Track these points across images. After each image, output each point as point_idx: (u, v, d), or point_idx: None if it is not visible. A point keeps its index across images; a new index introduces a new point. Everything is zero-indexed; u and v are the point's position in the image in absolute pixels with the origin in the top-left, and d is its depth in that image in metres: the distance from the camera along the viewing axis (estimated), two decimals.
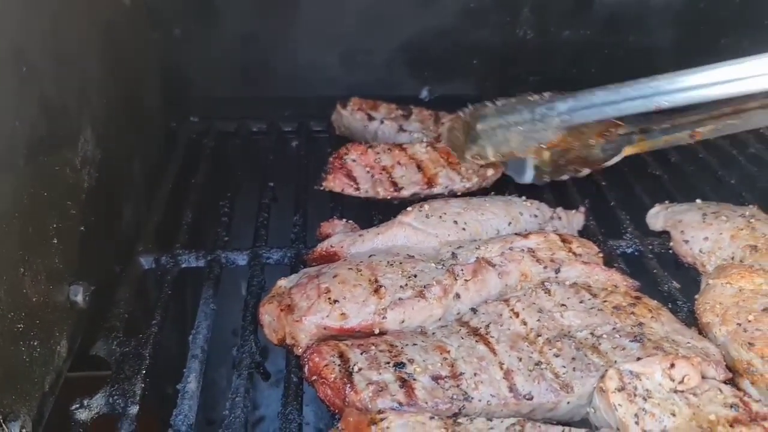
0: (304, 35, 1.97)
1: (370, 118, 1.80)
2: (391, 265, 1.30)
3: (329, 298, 1.21)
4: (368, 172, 1.62)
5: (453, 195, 1.61)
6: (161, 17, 1.88)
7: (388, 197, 1.59)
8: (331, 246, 1.40)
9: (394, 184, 1.60)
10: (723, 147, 1.94)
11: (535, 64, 2.02)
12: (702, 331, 1.26)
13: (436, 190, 1.61)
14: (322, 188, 1.61)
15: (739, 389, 1.15)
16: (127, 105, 1.56)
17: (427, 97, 2.05)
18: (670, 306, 1.37)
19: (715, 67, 1.51)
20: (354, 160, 1.63)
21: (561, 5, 1.92)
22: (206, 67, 2.02)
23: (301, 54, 2.00)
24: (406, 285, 1.25)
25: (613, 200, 1.69)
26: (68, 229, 1.24)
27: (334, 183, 1.60)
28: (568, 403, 1.09)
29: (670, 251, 1.53)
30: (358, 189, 1.60)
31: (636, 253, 1.54)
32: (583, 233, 1.55)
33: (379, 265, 1.29)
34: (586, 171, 1.71)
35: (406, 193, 1.59)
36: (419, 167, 1.63)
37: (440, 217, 1.43)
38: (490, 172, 1.68)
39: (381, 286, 1.24)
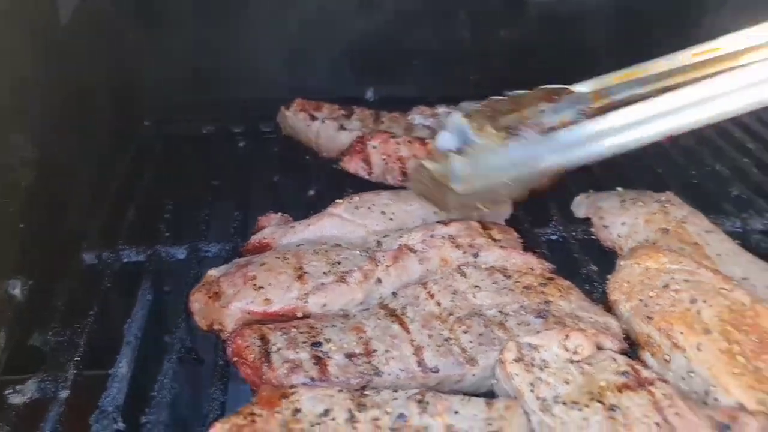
0: (252, 40, 2.04)
1: (312, 118, 1.87)
2: (317, 253, 1.37)
3: (255, 285, 1.28)
4: (384, 159, 1.73)
5: None
6: (113, 23, 1.94)
7: (396, 186, 1.71)
8: (264, 238, 1.47)
9: (404, 173, 1.71)
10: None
11: (474, 64, 2.10)
12: (611, 308, 1.34)
13: None
14: (340, 168, 1.73)
15: (641, 361, 1.23)
16: (73, 108, 1.62)
17: (371, 98, 2.12)
18: (587, 287, 1.44)
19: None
20: (375, 147, 1.73)
21: (494, 7, 2.00)
22: (158, 71, 2.08)
23: (250, 58, 2.07)
24: (329, 271, 1.32)
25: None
26: (6, 227, 1.30)
27: (350, 165, 1.74)
28: (473, 375, 1.16)
29: (593, 237, 1.61)
30: (370, 173, 1.73)
31: (560, 240, 1.62)
32: (511, 222, 1.63)
33: (306, 254, 1.36)
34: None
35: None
36: None
37: (369, 208, 1.50)
38: None
39: (305, 273, 1.31)
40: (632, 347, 1.25)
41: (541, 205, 1.73)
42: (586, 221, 1.64)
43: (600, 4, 2.05)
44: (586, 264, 1.51)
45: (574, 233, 1.62)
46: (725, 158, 1.96)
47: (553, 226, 1.65)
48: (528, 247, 1.54)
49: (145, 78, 2.08)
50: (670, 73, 1.35)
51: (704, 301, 1.24)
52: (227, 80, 2.09)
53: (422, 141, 1.73)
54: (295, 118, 1.88)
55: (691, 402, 1.08)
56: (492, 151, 1.34)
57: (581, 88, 1.35)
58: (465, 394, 1.13)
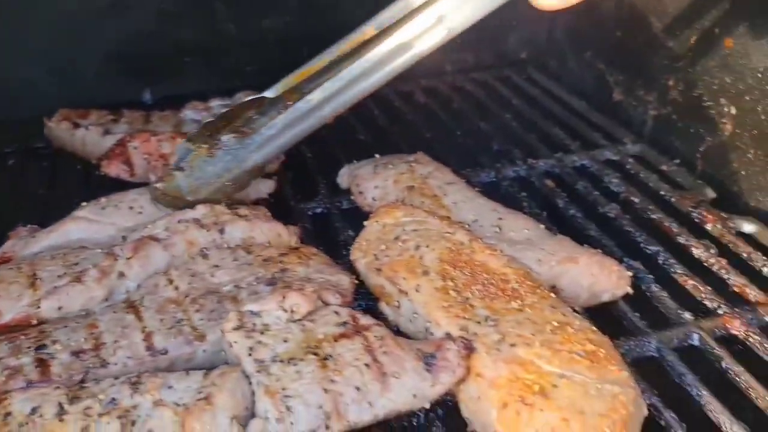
0: (8, 55, 1.96)
1: (76, 126, 1.83)
2: (54, 258, 1.34)
3: None
4: (146, 158, 1.70)
5: None
6: None
7: None
8: (4, 252, 1.42)
9: None
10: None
11: (247, 55, 2.13)
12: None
13: None
14: (102, 173, 1.70)
15: (380, 312, 1.30)
16: None
17: (150, 100, 2.10)
18: (344, 252, 1.50)
19: None
20: (136, 148, 1.70)
21: None
22: None
23: (11, 75, 1.99)
24: (65, 274, 1.30)
25: (315, 168, 1.82)
26: None
27: (110, 169, 1.70)
28: (204, 351, 1.18)
29: (357, 206, 1.67)
30: (132, 175, 1.70)
31: (324, 211, 1.67)
32: (278, 200, 1.67)
33: (42, 260, 1.34)
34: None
35: None
36: None
37: (116, 206, 1.49)
38: None
39: (38, 279, 1.28)
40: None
41: (311, 180, 1.78)
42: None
43: None
44: (344, 231, 1.57)
45: (339, 204, 1.68)
46: (490, 116, 2.09)
47: (319, 199, 1.70)
48: (293, 222, 1.58)
49: None
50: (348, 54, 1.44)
51: (427, 246, 1.32)
52: None
53: (184, 134, 1.73)
54: (57, 129, 1.84)
55: (403, 340, 1.15)
56: (206, 162, 1.50)
57: (270, 93, 1.46)
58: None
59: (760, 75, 1.59)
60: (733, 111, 1.68)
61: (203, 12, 2.02)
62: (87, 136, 1.82)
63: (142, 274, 1.34)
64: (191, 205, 1.48)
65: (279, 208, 1.60)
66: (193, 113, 1.93)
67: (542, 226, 1.45)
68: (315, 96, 1.43)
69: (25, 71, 1.98)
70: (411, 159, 1.67)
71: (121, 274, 1.33)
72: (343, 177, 1.72)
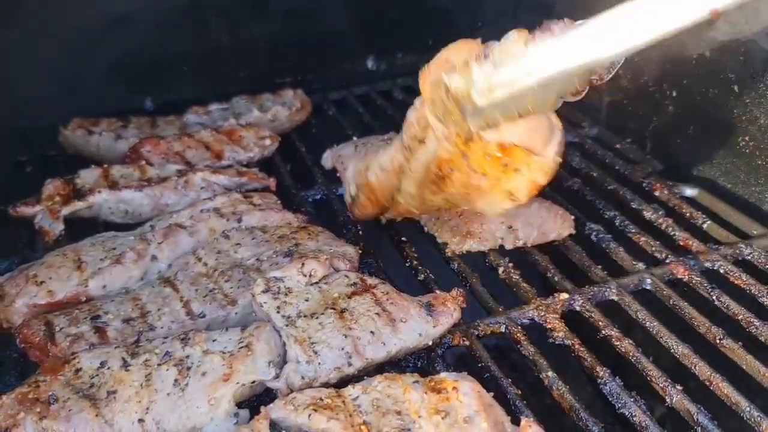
0: (18, 69, 2.12)
1: (90, 133, 2.00)
2: (93, 244, 1.53)
3: (36, 281, 1.42)
4: (163, 158, 1.86)
5: (241, 164, 1.90)
6: None
7: None
8: None
9: (188, 163, 1.86)
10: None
11: (240, 62, 2.33)
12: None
13: (225, 162, 1.90)
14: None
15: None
16: None
17: (151, 107, 2.28)
18: (343, 231, 1.71)
19: None
20: (149, 151, 1.86)
21: (243, 8, 2.24)
22: None
23: (22, 87, 2.15)
24: (106, 257, 1.49)
25: (310, 161, 2.02)
26: None
27: None
28: (236, 314, 1.38)
29: None
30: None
31: (323, 198, 1.88)
32: (282, 189, 1.87)
33: (83, 247, 1.52)
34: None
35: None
36: (207, 147, 1.90)
37: None
38: (267, 142, 1.96)
39: (83, 262, 1.47)
40: None
41: (308, 171, 1.99)
42: None
43: None
44: (342, 213, 1.78)
45: (335, 191, 1.89)
46: None
47: (317, 187, 1.91)
48: (296, 208, 1.79)
49: None
50: None
51: None
52: (1, 111, 2.14)
53: (189, 134, 1.93)
54: (73, 136, 2.01)
55: (405, 294, 1.37)
56: (516, 54, 1.16)
57: None
58: None
59: (694, 61, 1.85)
60: (674, 94, 1.94)
61: (199, 24, 2.21)
62: (101, 141, 2.00)
63: (171, 256, 1.54)
64: (463, 126, 1.23)
65: (283, 196, 1.81)
66: (194, 117, 2.12)
67: None
68: None
69: (37, 84, 2.14)
70: (386, 137, 1.89)
71: (154, 257, 1.52)
72: (327, 159, 1.93)
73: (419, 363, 1.35)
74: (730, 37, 1.74)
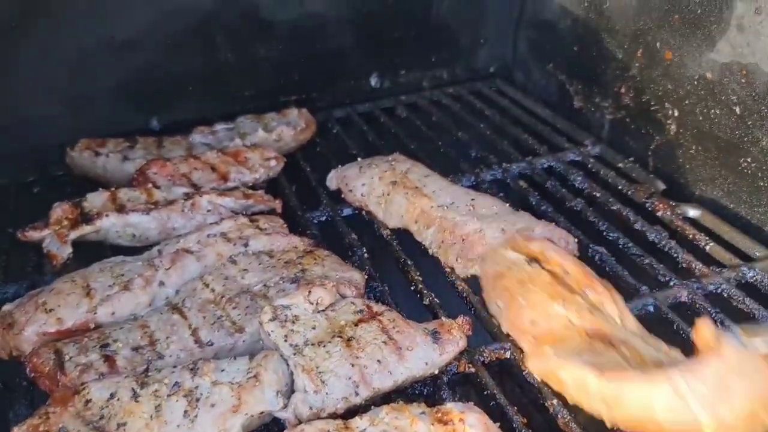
0: (26, 90, 2.14)
1: (97, 154, 2.02)
2: (102, 270, 1.55)
3: (45, 308, 1.43)
4: (170, 180, 1.87)
5: (247, 186, 1.91)
6: None
7: None
8: None
9: (194, 185, 1.87)
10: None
11: (245, 81, 2.34)
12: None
13: (231, 184, 1.91)
14: None
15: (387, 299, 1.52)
16: None
17: (157, 127, 2.30)
18: (348, 253, 1.73)
19: None
20: (156, 173, 1.87)
21: (248, 28, 2.26)
22: None
23: (29, 108, 2.16)
24: (114, 284, 1.50)
25: (315, 181, 2.04)
26: None
27: None
28: (244, 341, 1.39)
29: (356, 211, 1.90)
30: None
31: (328, 219, 1.89)
32: (287, 211, 1.88)
33: (92, 273, 1.54)
34: None
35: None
36: (213, 169, 1.92)
37: None
38: (273, 163, 1.98)
39: (92, 289, 1.48)
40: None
41: (312, 191, 2.00)
42: None
43: (336, 17, 2.36)
44: (348, 235, 1.79)
45: (340, 212, 1.90)
46: (467, 126, 2.33)
47: (322, 208, 1.92)
48: (301, 230, 1.81)
49: None
50: None
51: None
52: (8, 132, 2.15)
53: (195, 156, 1.94)
54: (80, 158, 2.02)
55: (411, 321, 1.38)
56: None
57: None
58: None
59: (696, 82, 1.86)
60: (676, 113, 1.95)
61: (204, 44, 2.23)
62: (108, 162, 2.01)
63: (179, 282, 1.55)
64: None
65: (288, 217, 1.82)
66: (200, 137, 2.14)
67: (507, 204, 1.72)
68: None
69: (43, 105, 2.16)
70: (390, 158, 1.91)
71: (162, 283, 1.53)
72: (332, 179, 1.95)
73: (425, 390, 1.36)
74: (731, 59, 1.75)
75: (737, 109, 1.74)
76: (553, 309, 1.29)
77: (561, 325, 1.28)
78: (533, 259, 1.43)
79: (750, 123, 1.72)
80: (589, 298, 1.32)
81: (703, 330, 1.13)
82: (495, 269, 1.44)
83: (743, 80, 1.72)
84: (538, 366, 1.28)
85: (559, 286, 1.33)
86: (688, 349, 1.38)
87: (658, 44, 1.97)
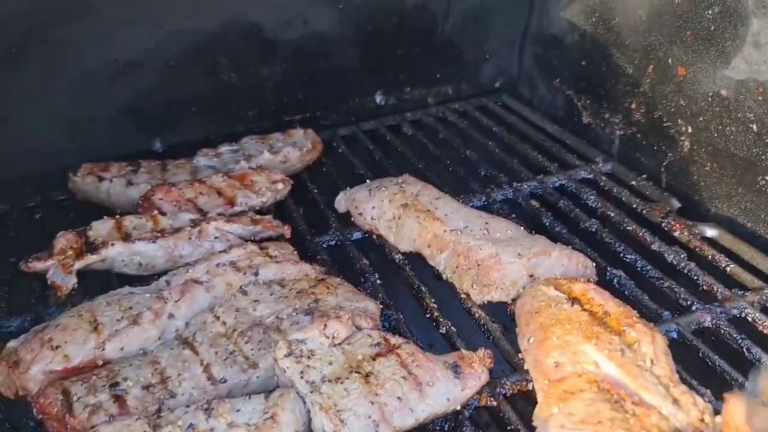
0: (26, 114, 2.10)
1: (100, 179, 1.98)
2: (109, 303, 1.50)
3: (52, 345, 1.39)
4: (175, 205, 1.83)
5: (254, 211, 1.87)
6: None
7: None
8: None
9: (200, 210, 1.82)
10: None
11: (248, 101, 2.30)
12: None
13: (237, 208, 1.86)
14: None
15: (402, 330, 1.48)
16: None
17: (160, 149, 2.26)
18: (361, 279, 1.69)
19: None
20: (161, 199, 1.83)
21: (251, 48, 2.22)
22: None
23: (31, 132, 2.12)
24: (122, 317, 1.46)
25: (323, 203, 2.00)
26: None
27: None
28: (258, 377, 1.35)
29: (366, 235, 1.86)
30: None
31: (338, 243, 1.85)
32: (295, 235, 1.84)
33: (99, 307, 1.49)
34: None
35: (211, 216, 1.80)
36: (219, 193, 1.87)
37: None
38: (280, 186, 1.94)
39: (99, 324, 1.44)
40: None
41: (321, 214, 1.96)
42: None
43: (342, 33, 2.33)
44: (359, 260, 1.76)
45: (349, 235, 1.87)
46: (474, 144, 2.30)
47: (332, 233, 1.88)
48: (311, 255, 1.77)
49: None
50: None
51: None
52: (8, 157, 2.10)
53: (200, 180, 1.91)
54: (82, 183, 1.98)
55: (429, 354, 1.34)
56: None
57: None
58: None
59: (710, 99, 1.83)
60: (690, 130, 1.92)
61: (207, 65, 2.19)
62: (111, 188, 1.97)
63: (189, 314, 1.51)
64: None
65: (297, 242, 1.78)
66: (205, 160, 2.10)
67: (522, 227, 1.68)
68: None
69: (45, 128, 2.12)
70: (399, 180, 1.87)
71: (171, 315, 1.49)
72: (341, 202, 1.91)
73: (446, 426, 1.32)
74: (747, 76, 1.72)
75: (754, 127, 1.71)
76: (582, 349, 1.25)
77: (580, 372, 1.23)
78: (574, 299, 1.39)
79: (767, 140, 1.69)
80: (627, 337, 1.28)
81: (734, 410, 1.07)
82: (532, 305, 1.40)
83: (760, 98, 1.69)
84: (543, 425, 1.22)
85: (596, 326, 1.29)
86: (712, 380, 1.36)
87: (670, 60, 1.94)
